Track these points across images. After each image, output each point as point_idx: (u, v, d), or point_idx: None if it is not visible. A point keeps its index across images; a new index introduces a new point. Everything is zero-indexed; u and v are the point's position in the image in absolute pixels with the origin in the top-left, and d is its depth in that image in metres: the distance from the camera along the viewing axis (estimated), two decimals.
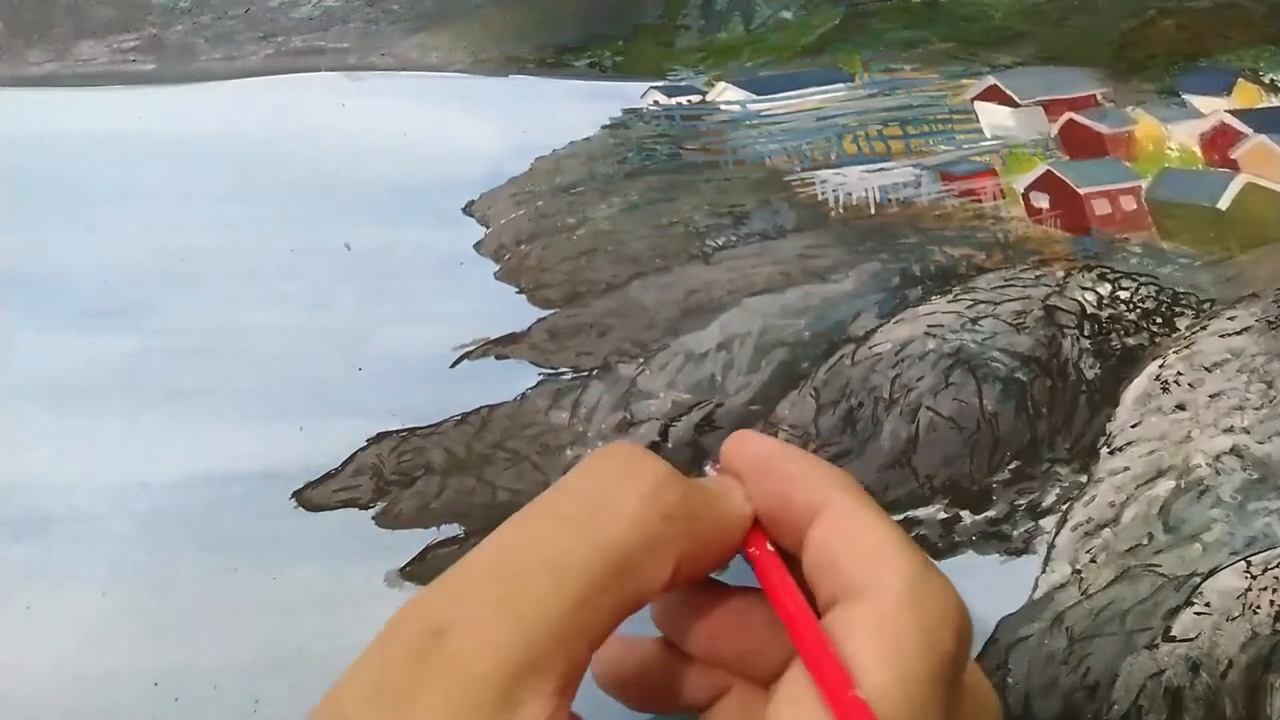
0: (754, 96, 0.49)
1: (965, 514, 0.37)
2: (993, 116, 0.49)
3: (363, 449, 0.36)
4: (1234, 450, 0.38)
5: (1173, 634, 0.34)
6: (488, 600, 0.19)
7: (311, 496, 0.35)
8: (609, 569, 0.20)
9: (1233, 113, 0.49)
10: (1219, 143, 0.48)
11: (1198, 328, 0.42)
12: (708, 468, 0.27)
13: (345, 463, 0.36)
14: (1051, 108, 0.49)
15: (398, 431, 0.36)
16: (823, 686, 0.20)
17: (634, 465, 0.22)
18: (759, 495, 0.24)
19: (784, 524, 0.24)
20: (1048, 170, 0.47)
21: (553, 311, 0.40)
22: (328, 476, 0.35)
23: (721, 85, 0.49)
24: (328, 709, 0.19)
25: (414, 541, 0.34)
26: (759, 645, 0.25)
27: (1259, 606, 0.35)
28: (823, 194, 0.45)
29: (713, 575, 0.26)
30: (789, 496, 0.24)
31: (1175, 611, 0.35)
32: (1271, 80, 0.51)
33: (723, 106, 0.48)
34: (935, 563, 0.22)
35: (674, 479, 0.22)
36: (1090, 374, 0.40)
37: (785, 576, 0.23)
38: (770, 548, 0.24)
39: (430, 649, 0.19)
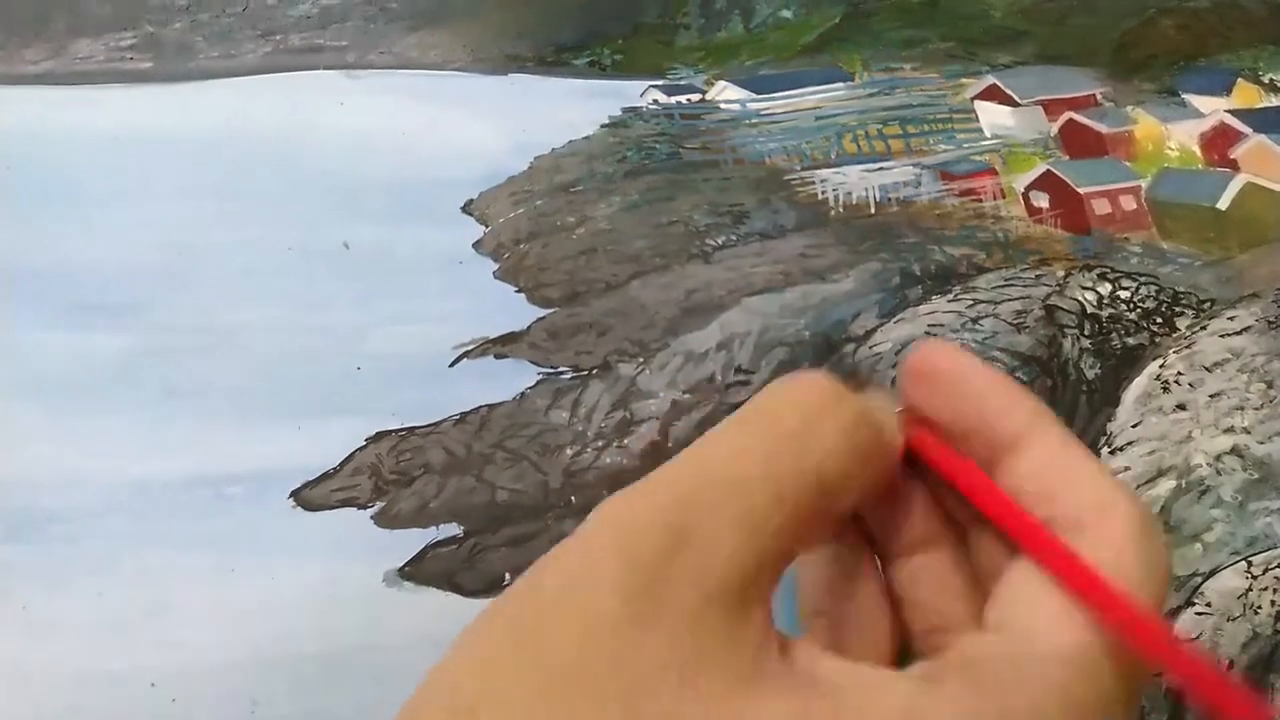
0: (754, 95, 0.49)
1: None
2: (993, 116, 0.49)
3: (361, 448, 0.36)
4: (1234, 450, 0.38)
5: None
6: (724, 508, 0.20)
7: (310, 496, 0.35)
8: (817, 489, 0.21)
9: (1232, 112, 0.49)
10: (1219, 142, 0.48)
11: (1198, 327, 0.42)
12: None
13: (344, 462, 0.35)
14: (1051, 107, 0.49)
15: (396, 431, 0.36)
16: (1080, 585, 0.20)
17: (835, 397, 0.22)
18: (946, 411, 0.24)
19: (971, 444, 0.24)
20: (1047, 170, 0.47)
21: (552, 311, 0.40)
22: (326, 476, 0.35)
23: (721, 84, 0.49)
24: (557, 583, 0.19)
25: (413, 541, 0.34)
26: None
27: (1260, 607, 0.35)
28: (823, 193, 0.45)
29: None
30: (984, 419, 0.23)
31: (1176, 612, 0.35)
32: (1271, 80, 0.51)
33: (722, 105, 0.48)
34: None
35: (867, 416, 0.22)
36: (1091, 374, 0.40)
37: (991, 481, 0.23)
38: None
39: (677, 549, 0.19)
